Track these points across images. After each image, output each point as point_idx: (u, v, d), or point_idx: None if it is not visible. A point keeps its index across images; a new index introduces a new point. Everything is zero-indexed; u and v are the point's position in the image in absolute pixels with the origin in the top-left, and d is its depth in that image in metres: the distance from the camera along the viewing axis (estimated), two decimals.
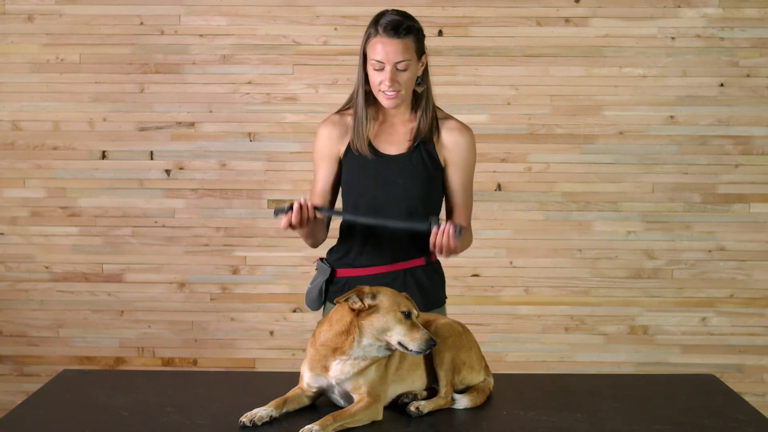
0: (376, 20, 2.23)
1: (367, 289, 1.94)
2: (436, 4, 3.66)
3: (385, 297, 1.93)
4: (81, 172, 3.73)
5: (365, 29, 2.25)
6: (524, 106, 3.70)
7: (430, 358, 2.06)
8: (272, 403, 1.93)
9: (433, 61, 3.65)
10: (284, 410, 1.94)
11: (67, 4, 3.67)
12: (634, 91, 3.68)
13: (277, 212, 2.18)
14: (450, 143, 2.32)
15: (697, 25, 3.66)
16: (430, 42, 3.66)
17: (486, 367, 2.16)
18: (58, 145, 3.73)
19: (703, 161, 3.70)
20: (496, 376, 2.20)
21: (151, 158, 3.74)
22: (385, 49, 2.18)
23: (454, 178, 2.34)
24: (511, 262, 3.75)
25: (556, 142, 3.70)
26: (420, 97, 2.29)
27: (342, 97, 3.64)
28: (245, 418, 1.88)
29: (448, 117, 2.36)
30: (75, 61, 3.70)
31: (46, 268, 3.77)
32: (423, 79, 2.29)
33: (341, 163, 2.33)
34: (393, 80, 2.19)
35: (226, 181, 3.74)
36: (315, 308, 2.38)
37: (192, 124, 3.73)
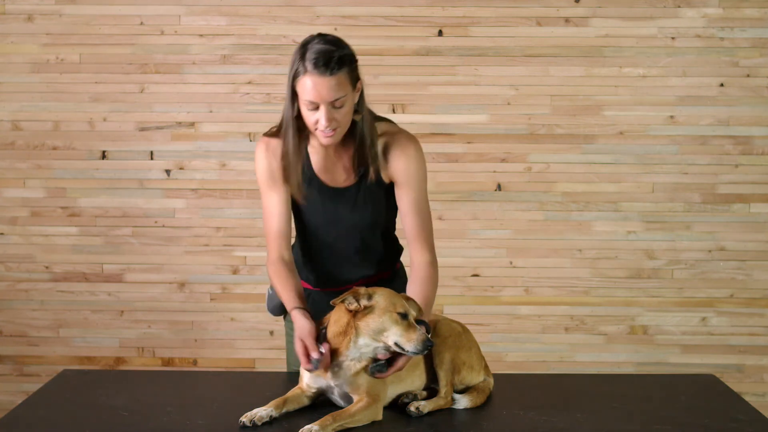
0: (303, 53, 2.01)
1: (363, 290, 1.94)
2: (436, 4, 3.66)
3: (381, 298, 1.93)
4: (81, 172, 3.73)
5: (291, 61, 2.05)
6: (524, 106, 3.70)
7: (429, 358, 2.06)
8: (272, 403, 1.93)
9: (433, 61, 3.69)
10: (284, 410, 1.94)
11: (67, 4, 3.67)
12: (634, 91, 3.68)
13: (315, 366, 1.96)
14: (395, 164, 2.15)
15: (697, 25, 3.66)
16: (430, 42, 3.70)
17: (486, 367, 2.16)
18: (58, 145, 3.73)
19: (703, 161, 3.70)
20: (496, 376, 2.20)
21: (151, 158, 3.74)
22: (317, 89, 1.98)
23: (404, 198, 2.16)
24: (511, 262, 3.75)
25: (556, 142, 3.70)
26: (357, 125, 2.11)
27: None
28: (245, 418, 1.88)
29: (392, 133, 2.18)
30: (75, 61, 3.70)
31: (46, 268, 3.77)
32: (360, 105, 2.11)
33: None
34: (330, 119, 2.01)
35: (226, 181, 3.74)
36: (277, 314, 2.34)
37: (192, 124, 3.73)
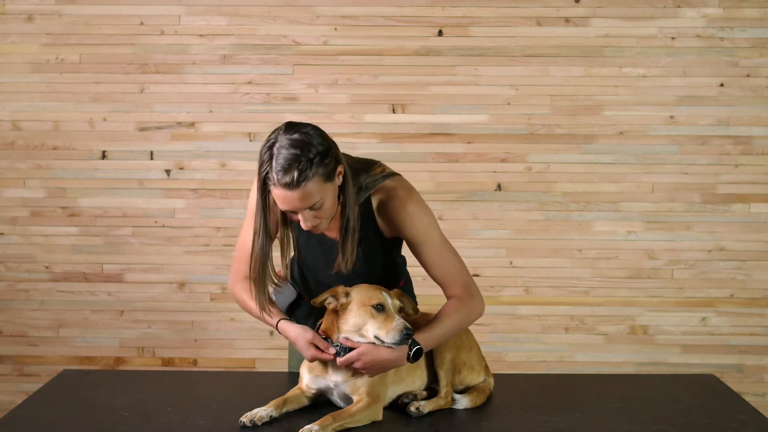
0: (270, 155, 1.88)
1: (341, 288, 1.97)
2: (436, 4, 3.66)
3: (357, 293, 1.95)
4: (81, 172, 3.73)
5: (259, 158, 1.91)
6: (524, 106, 3.70)
7: (430, 358, 2.07)
8: (272, 403, 1.93)
9: (433, 61, 3.69)
10: (284, 410, 1.94)
11: (67, 4, 3.67)
12: (634, 91, 3.68)
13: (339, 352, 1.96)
14: (397, 223, 2.06)
15: (697, 25, 3.66)
16: (430, 42, 3.70)
17: (486, 367, 2.16)
18: (58, 145, 3.73)
19: (703, 161, 3.70)
20: (496, 376, 2.20)
21: (151, 158, 3.74)
22: (288, 201, 1.90)
23: (422, 255, 2.08)
24: (511, 262, 3.75)
25: (556, 142, 3.70)
26: (345, 208, 2.00)
27: (342, 97, 3.69)
28: (245, 418, 1.88)
29: (384, 187, 2.07)
30: (75, 61, 3.70)
31: (46, 268, 3.77)
32: (344, 188, 1.99)
33: None
34: (312, 219, 1.94)
35: (226, 181, 3.74)
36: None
37: (192, 124, 3.73)
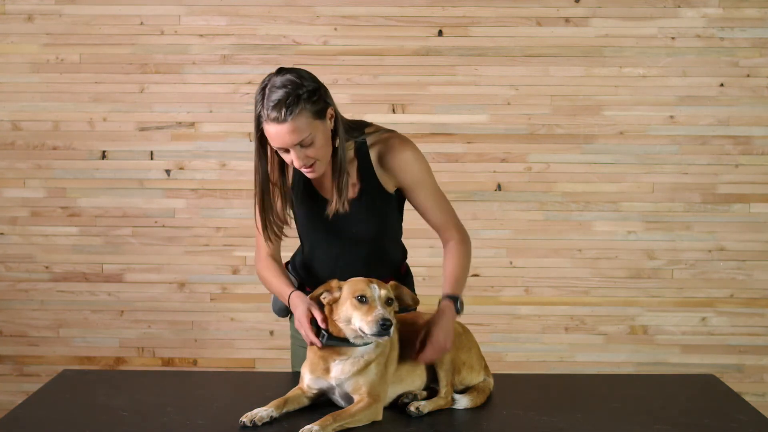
0: (263, 95, 1.96)
1: (334, 282, 1.98)
2: (436, 4, 3.66)
3: (346, 286, 1.95)
4: (81, 172, 3.73)
5: (254, 100, 1.99)
6: (524, 106, 3.70)
7: None
8: (273, 403, 1.93)
9: (433, 61, 3.69)
10: (284, 410, 1.94)
11: (67, 4, 3.67)
12: (634, 91, 3.68)
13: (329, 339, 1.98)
14: (394, 168, 2.12)
15: (697, 25, 3.66)
16: (430, 42, 3.70)
17: (486, 367, 2.16)
18: (58, 145, 3.73)
19: (703, 161, 3.70)
20: (496, 376, 2.20)
21: (151, 158, 3.74)
22: (279, 136, 1.95)
23: (418, 200, 2.16)
24: (511, 262, 3.75)
25: (556, 142, 3.70)
26: (337, 153, 2.06)
27: (342, 97, 3.68)
28: (245, 418, 1.88)
29: (383, 140, 2.13)
30: (75, 61, 3.70)
31: (46, 268, 3.77)
32: (336, 130, 2.04)
33: None
34: (302, 158, 1.98)
35: (226, 181, 3.74)
36: (283, 316, 2.35)
37: (192, 124, 3.73)
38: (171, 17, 3.68)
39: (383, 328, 1.85)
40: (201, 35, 3.69)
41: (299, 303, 2.05)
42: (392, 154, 2.12)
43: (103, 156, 3.74)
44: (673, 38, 3.67)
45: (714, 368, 3.71)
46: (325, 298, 1.98)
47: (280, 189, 2.15)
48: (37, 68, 3.71)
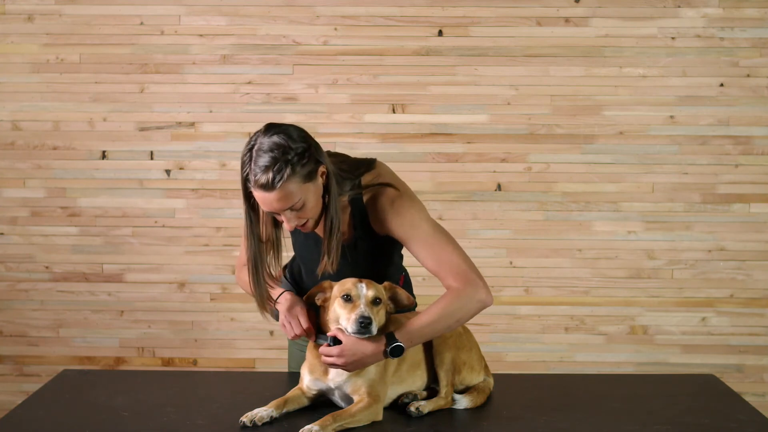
0: (249, 158, 1.89)
1: (327, 283, 2.00)
2: (436, 4, 3.66)
3: (336, 286, 1.97)
4: (81, 172, 3.73)
5: (241, 159, 1.92)
6: (524, 106, 3.70)
7: (430, 357, 2.07)
8: (273, 403, 1.93)
9: (433, 61, 3.69)
10: (284, 410, 1.94)
11: (67, 4, 3.67)
12: (634, 91, 3.68)
13: (325, 340, 1.98)
14: (389, 225, 2.03)
15: (697, 25, 3.66)
16: (430, 42, 3.69)
17: (486, 367, 2.16)
18: (58, 145, 3.73)
19: (703, 161, 3.70)
20: (496, 376, 2.20)
21: (151, 158, 3.74)
22: (268, 202, 1.90)
23: (413, 249, 2.04)
24: (511, 262, 3.75)
25: (556, 142, 3.70)
26: (328, 209, 1.99)
27: (342, 97, 3.69)
28: (245, 418, 1.88)
29: (374, 194, 2.05)
30: (75, 61, 3.70)
31: (46, 268, 3.77)
32: (328, 187, 1.97)
33: None
34: (295, 219, 1.95)
35: (226, 181, 3.74)
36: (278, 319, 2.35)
37: (192, 124, 3.73)
38: (171, 17, 3.68)
39: (362, 326, 1.87)
40: (201, 35, 3.69)
41: (296, 301, 2.07)
42: (382, 205, 2.03)
43: (103, 156, 3.74)
44: (673, 38, 3.67)
45: (714, 368, 3.71)
46: (319, 298, 2.00)
47: (273, 243, 2.07)
48: (37, 68, 3.71)
